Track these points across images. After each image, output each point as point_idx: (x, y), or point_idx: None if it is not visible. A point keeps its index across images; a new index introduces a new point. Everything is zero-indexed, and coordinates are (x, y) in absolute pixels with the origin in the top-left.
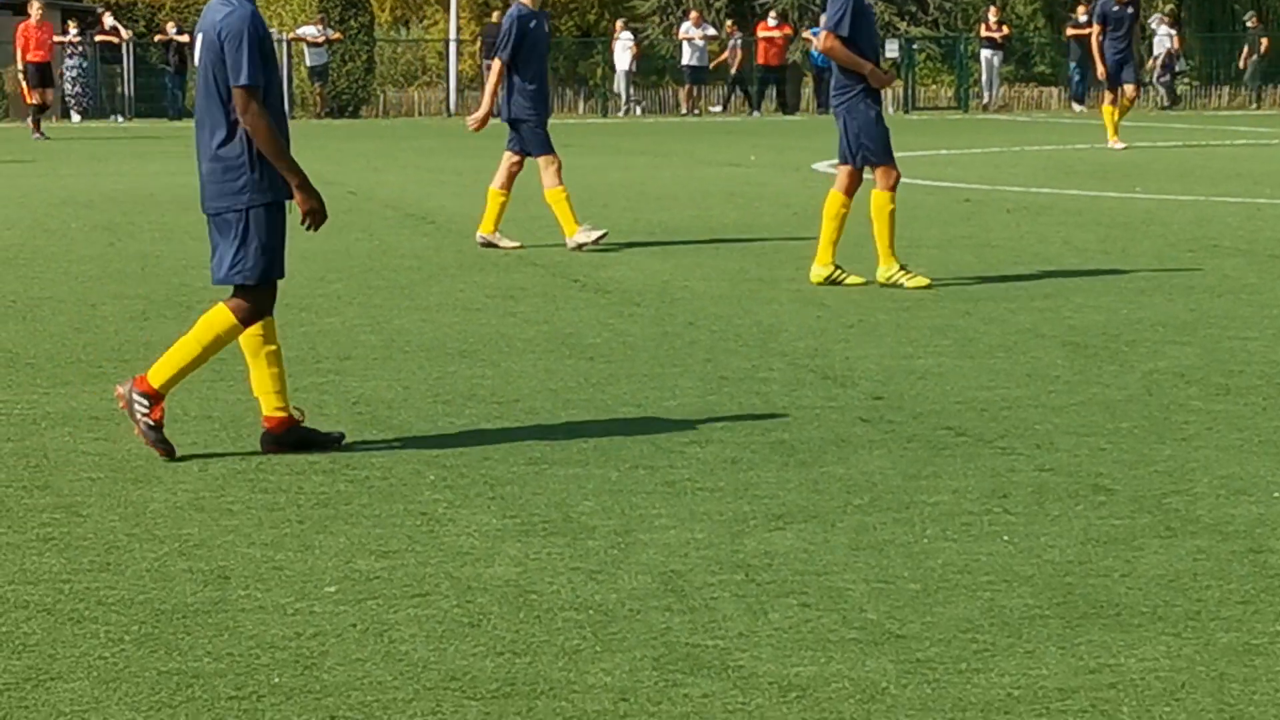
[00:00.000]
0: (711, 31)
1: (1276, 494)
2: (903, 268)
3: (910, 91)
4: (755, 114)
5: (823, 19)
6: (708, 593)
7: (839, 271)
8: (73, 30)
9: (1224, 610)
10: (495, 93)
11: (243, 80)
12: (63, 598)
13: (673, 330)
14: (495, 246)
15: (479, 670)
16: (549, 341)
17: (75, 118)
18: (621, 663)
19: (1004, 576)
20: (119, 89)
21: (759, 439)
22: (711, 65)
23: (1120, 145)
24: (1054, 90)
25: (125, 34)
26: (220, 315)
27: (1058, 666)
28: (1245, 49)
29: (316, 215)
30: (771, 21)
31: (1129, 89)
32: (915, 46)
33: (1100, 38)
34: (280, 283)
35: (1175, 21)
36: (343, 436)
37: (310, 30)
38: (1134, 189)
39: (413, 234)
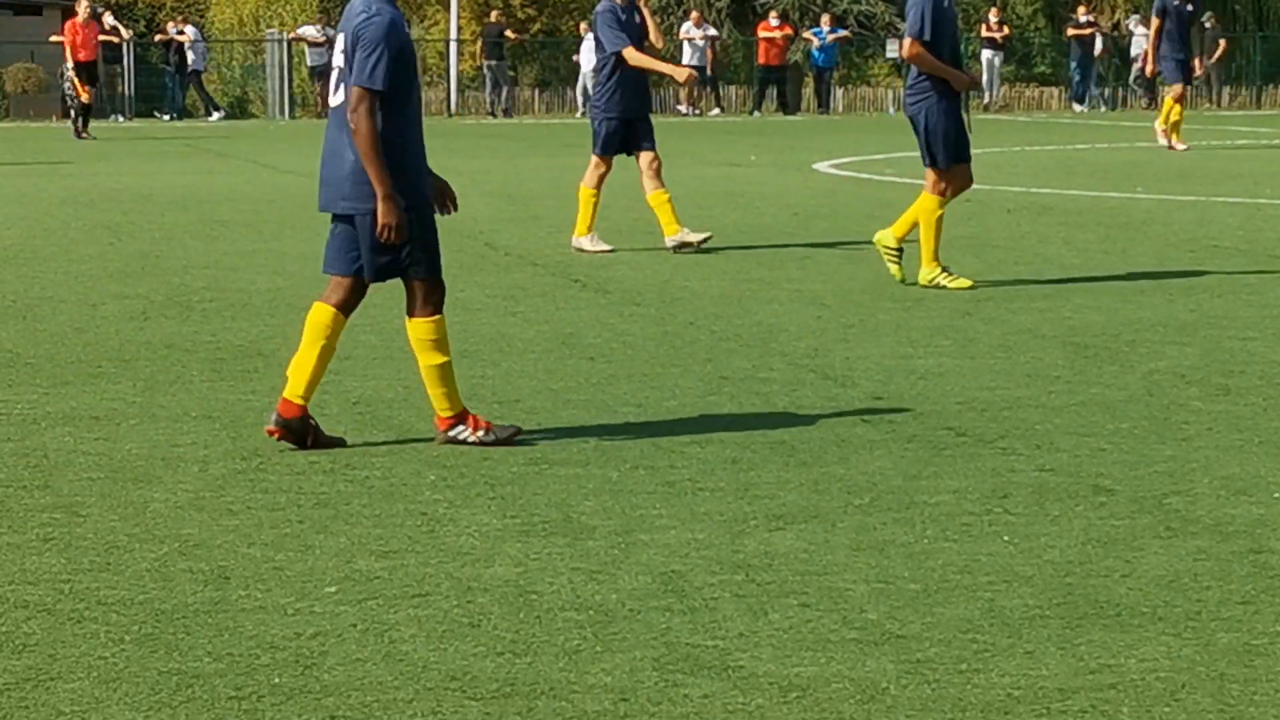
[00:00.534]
0: (712, 32)
1: (1276, 494)
2: (945, 269)
3: None
4: (756, 114)
5: (902, 26)
6: (708, 593)
7: (943, 274)
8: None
9: (1224, 610)
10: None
11: (364, 81)
12: (63, 598)
13: (673, 330)
14: (688, 245)
15: (479, 670)
16: (549, 341)
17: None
18: (621, 663)
19: (1004, 577)
20: (119, 89)
21: (759, 439)
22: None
23: (1183, 146)
24: (1054, 90)
25: (125, 33)
26: (422, 326)
27: (1058, 667)
28: (1200, 52)
29: (393, 231)
30: (773, 21)
31: (1177, 88)
32: None
33: (1157, 35)
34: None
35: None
36: (344, 442)
37: (310, 30)
38: (1135, 189)
39: None
